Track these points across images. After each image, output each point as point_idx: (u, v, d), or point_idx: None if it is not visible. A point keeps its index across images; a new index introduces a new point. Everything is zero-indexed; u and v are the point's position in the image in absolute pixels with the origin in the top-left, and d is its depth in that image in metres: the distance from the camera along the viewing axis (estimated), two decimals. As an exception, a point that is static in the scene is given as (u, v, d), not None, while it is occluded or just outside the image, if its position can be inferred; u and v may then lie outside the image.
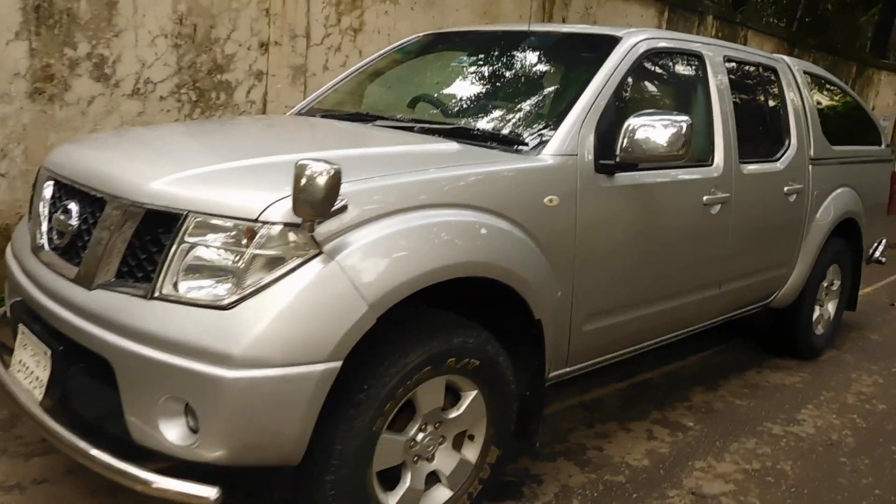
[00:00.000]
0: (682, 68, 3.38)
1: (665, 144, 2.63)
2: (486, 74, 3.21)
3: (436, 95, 3.24)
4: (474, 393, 2.35)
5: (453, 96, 3.18)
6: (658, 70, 3.26)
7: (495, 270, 2.26)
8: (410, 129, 2.82)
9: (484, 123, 2.84)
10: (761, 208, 3.67)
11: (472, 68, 3.28)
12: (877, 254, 5.30)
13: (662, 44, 3.17)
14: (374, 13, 5.19)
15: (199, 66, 4.42)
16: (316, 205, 1.80)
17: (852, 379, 4.36)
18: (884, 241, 5.34)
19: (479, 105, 3.02)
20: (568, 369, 2.86)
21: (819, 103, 4.43)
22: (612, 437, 3.33)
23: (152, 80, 4.25)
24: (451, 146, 2.57)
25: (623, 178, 2.79)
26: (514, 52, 3.25)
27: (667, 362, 4.38)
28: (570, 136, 2.63)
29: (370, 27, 5.15)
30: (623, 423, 3.48)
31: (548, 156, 2.56)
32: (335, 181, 1.80)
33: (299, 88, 4.85)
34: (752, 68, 3.83)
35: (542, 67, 3.16)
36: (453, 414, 2.33)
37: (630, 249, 2.87)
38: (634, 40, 3.01)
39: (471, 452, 2.42)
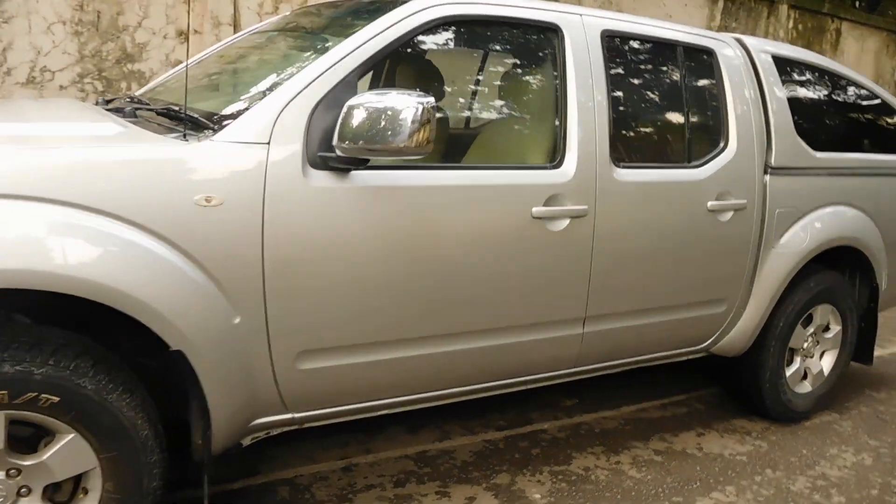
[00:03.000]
0: (516, 43, 2.68)
1: (390, 132, 2.01)
2: (267, 53, 2.69)
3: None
4: (70, 437, 1.86)
5: (220, 79, 2.69)
6: (473, 44, 2.59)
7: (66, 283, 1.76)
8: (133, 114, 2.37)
9: (203, 105, 2.33)
10: (658, 227, 2.85)
11: (266, 46, 2.77)
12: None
13: (475, 10, 2.48)
14: None
15: (105, 54, 4.21)
16: None
17: (828, 456, 3.35)
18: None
19: (226, 87, 2.52)
20: (294, 415, 2.28)
21: (799, 98, 3.47)
22: None
23: (50, 68, 4.09)
24: (107, 128, 2.10)
25: (368, 177, 2.18)
26: (315, 26, 2.70)
27: (590, 410, 3.60)
28: (262, 119, 2.06)
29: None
30: (446, 485, 2.81)
31: (218, 142, 2.01)
32: None
33: (226, 80, 4.53)
34: (662, 49, 3.00)
35: (311, 43, 2.58)
36: (31, 461, 1.85)
37: (380, 271, 2.24)
38: (419, 5, 2.37)
39: (81, 510, 1.93)
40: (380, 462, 2.93)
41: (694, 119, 3.04)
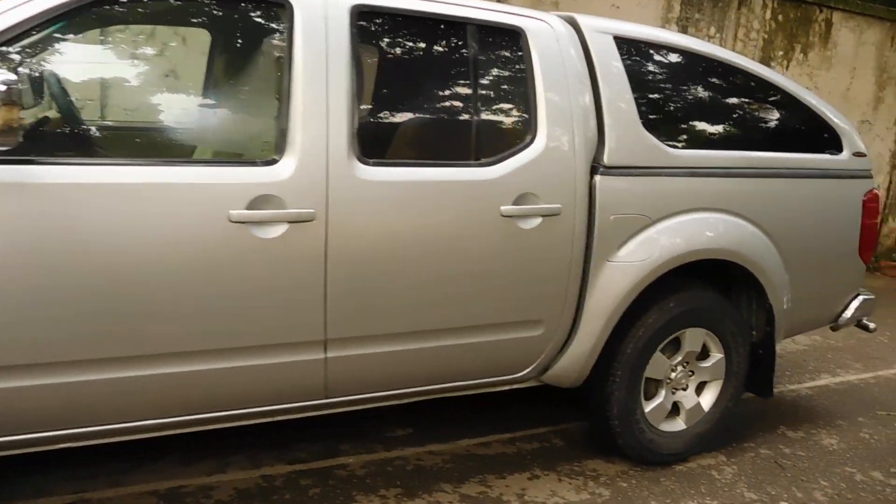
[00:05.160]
0: (231, 21, 2.30)
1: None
2: None
3: None
4: None
5: None
6: (178, 21, 2.23)
7: None
8: None
9: None
10: (427, 236, 2.42)
11: None
12: (847, 314, 3.55)
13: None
14: None
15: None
16: None
17: (677, 510, 2.82)
18: (860, 297, 3.56)
19: None
20: None
21: (653, 86, 2.97)
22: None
23: None
24: None
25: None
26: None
27: (419, 442, 3.17)
28: None
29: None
30: (173, 531, 2.44)
31: None
32: None
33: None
34: (444, 29, 2.56)
35: None
36: None
37: (7, 284, 1.91)
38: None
39: None
40: (118, 498, 2.59)
41: (486, 110, 2.59)
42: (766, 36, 6.14)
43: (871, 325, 3.66)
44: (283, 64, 2.23)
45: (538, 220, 2.59)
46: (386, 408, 3.17)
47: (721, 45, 5.96)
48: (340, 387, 2.45)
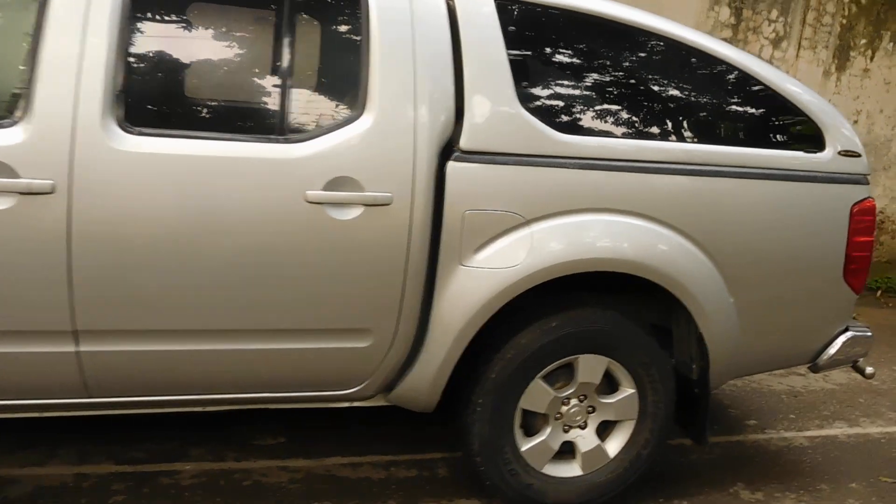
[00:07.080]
0: None
1: None
2: None
3: None
4: None
5: None
6: None
7: None
8: None
9: None
10: (202, 221, 2.07)
11: None
12: (830, 352, 2.84)
13: None
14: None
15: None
16: None
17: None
18: (849, 333, 2.84)
19: None
20: None
21: (545, 59, 2.46)
22: None
23: None
24: None
25: None
26: None
27: (282, 454, 2.84)
28: None
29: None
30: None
31: None
32: None
33: None
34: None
35: None
36: None
37: None
38: None
39: None
40: None
41: (302, 77, 2.20)
42: (844, 21, 5.21)
43: (868, 370, 2.92)
44: (35, 8, 1.97)
45: (358, 210, 2.17)
46: (268, 412, 2.90)
47: (786, 32, 5.13)
48: (103, 385, 2.16)
